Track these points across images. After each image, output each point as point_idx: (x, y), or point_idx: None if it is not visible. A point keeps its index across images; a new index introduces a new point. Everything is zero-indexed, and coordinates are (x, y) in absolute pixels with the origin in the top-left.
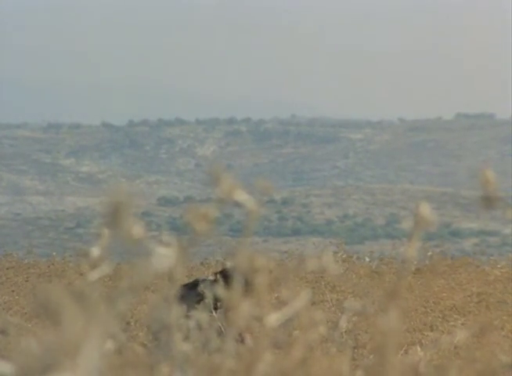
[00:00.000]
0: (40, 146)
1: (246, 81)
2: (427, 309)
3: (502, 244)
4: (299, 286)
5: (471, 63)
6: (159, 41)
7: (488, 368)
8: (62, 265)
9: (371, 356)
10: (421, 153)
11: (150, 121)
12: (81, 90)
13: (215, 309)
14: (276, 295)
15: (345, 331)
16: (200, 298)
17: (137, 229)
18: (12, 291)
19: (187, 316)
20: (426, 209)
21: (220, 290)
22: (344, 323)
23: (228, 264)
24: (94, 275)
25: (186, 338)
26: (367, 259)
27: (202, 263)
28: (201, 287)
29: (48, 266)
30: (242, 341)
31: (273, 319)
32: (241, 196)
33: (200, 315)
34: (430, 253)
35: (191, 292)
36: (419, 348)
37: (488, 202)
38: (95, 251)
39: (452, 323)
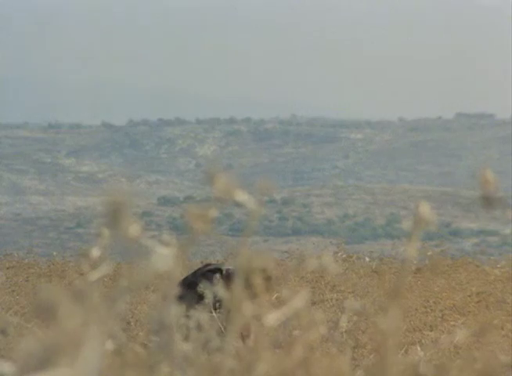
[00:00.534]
0: (40, 146)
1: (246, 81)
2: (427, 308)
3: (502, 243)
4: (299, 286)
5: (472, 63)
6: (159, 41)
7: (488, 368)
8: (62, 265)
9: (371, 356)
10: (421, 153)
11: (150, 121)
12: (81, 90)
13: (215, 308)
14: (276, 295)
15: (345, 331)
16: (200, 298)
17: (137, 229)
18: (12, 290)
19: (187, 316)
20: (426, 209)
21: (220, 290)
22: (344, 323)
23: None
24: (94, 275)
25: (186, 338)
26: (367, 259)
27: (202, 263)
28: (200, 288)
29: (49, 266)
30: (245, 337)
31: (273, 319)
32: (241, 196)
33: (200, 315)
34: (430, 253)
35: (191, 292)
36: (419, 348)
37: (488, 202)
38: (95, 251)
39: (452, 323)
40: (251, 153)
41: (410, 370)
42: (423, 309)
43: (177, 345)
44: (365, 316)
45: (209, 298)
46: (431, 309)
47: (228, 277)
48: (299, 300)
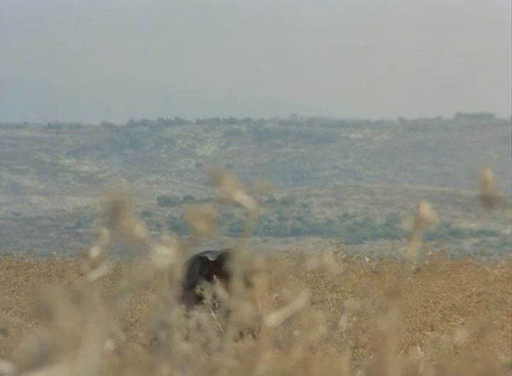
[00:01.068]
0: (40, 145)
1: (246, 81)
2: (426, 308)
3: (502, 244)
4: (299, 286)
5: (471, 62)
6: (159, 41)
7: (488, 368)
8: (62, 265)
9: (371, 356)
10: (421, 153)
11: (150, 121)
12: (81, 90)
13: (214, 308)
14: (276, 295)
15: (345, 331)
16: (200, 298)
17: (137, 229)
18: (12, 290)
19: (187, 316)
20: (426, 209)
21: (219, 289)
22: (343, 323)
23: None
24: (94, 275)
25: (186, 338)
26: (367, 259)
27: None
28: (200, 288)
29: (48, 266)
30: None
31: (273, 319)
32: (241, 196)
33: (200, 315)
34: (430, 253)
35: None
36: (419, 348)
37: (488, 202)
38: (95, 251)
39: (452, 323)
40: (251, 153)
41: (410, 370)
42: (423, 309)
43: (177, 345)
44: (365, 316)
45: (208, 298)
46: (431, 309)
47: (216, 264)
48: (299, 300)
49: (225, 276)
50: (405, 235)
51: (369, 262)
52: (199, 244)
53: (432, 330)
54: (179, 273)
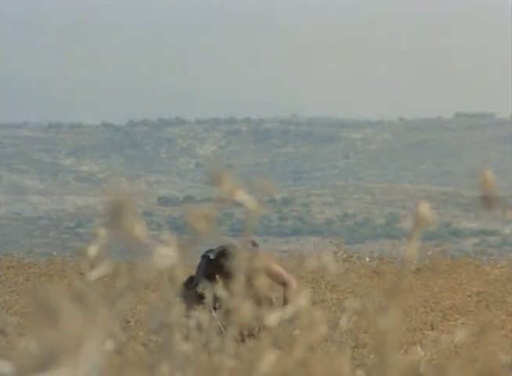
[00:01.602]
0: (40, 145)
1: (246, 81)
2: (427, 308)
3: (502, 243)
4: (299, 286)
5: (471, 63)
6: (159, 41)
7: (488, 368)
8: (62, 265)
9: (371, 356)
10: (421, 153)
11: (150, 121)
12: (81, 90)
13: (215, 308)
14: (276, 295)
15: (345, 331)
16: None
17: (137, 229)
18: (12, 290)
19: (187, 316)
20: (426, 209)
21: (219, 289)
22: (344, 323)
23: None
24: (94, 275)
25: (186, 338)
26: (367, 259)
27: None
28: (200, 287)
29: (48, 266)
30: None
31: (273, 319)
32: (241, 195)
33: (200, 315)
34: (430, 253)
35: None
36: (419, 348)
37: (488, 202)
38: (93, 251)
39: (452, 323)
40: (251, 153)
41: (410, 370)
42: (423, 308)
43: (177, 345)
44: (366, 315)
45: (209, 298)
46: (431, 309)
47: (216, 262)
48: (299, 300)
49: (225, 275)
50: (405, 235)
51: (370, 261)
52: (199, 244)
53: (432, 329)
54: (180, 273)
